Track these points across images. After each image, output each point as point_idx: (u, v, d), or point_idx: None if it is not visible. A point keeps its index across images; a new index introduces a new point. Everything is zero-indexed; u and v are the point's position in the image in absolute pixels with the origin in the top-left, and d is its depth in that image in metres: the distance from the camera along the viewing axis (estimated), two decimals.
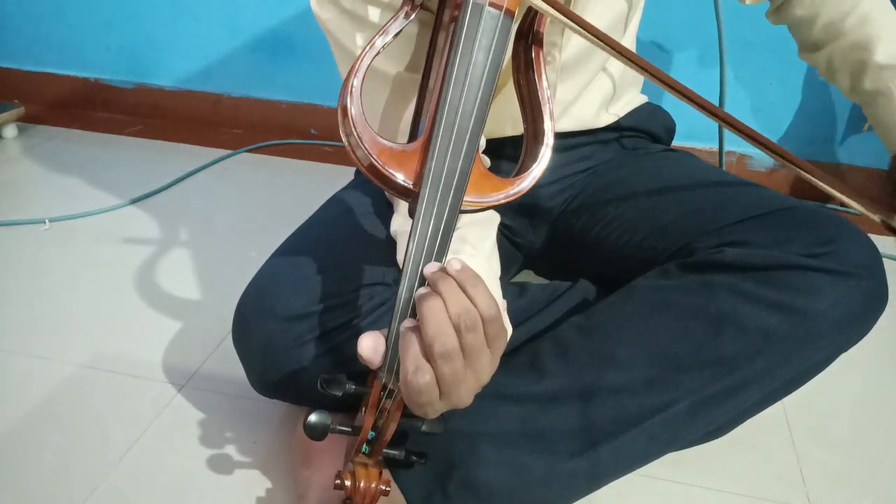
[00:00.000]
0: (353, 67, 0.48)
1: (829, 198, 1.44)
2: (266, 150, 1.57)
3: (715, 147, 1.43)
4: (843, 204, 0.60)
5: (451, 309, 0.46)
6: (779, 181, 1.45)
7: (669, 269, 0.68)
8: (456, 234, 0.51)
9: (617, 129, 0.85)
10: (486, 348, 0.48)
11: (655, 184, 0.79)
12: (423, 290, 0.47)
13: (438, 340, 0.45)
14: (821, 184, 0.55)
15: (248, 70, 1.59)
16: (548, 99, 0.53)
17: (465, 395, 0.48)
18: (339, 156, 1.55)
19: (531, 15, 0.54)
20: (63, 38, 1.66)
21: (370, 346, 0.49)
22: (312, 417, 0.53)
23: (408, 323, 0.48)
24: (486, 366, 0.48)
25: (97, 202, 1.29)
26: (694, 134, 1.41)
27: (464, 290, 0.46)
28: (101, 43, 1.64)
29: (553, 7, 0.49)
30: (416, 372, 0.46)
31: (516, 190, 0.51)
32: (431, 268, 0.48)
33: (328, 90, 1.58)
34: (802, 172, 0.54)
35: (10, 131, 1.57)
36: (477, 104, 0.48)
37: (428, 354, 0.46)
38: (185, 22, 1.57)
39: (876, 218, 0.65)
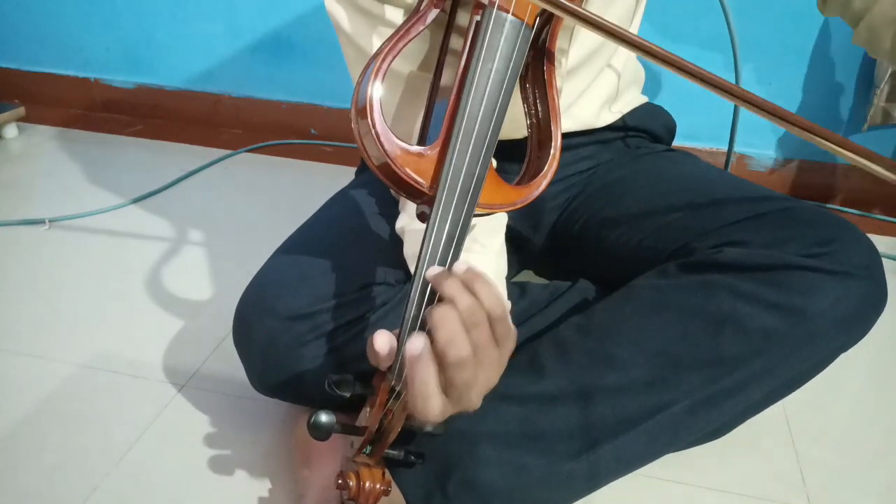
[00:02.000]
0: (375, 67, 0.48)
1: (828, 198, 1.44)
2: (266, 150, 1.57)
3: (715, 147, 1.43)
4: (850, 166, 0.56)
5: (459, 306, 0.46)
6: (779, 181, 1.45)
7: (669, 268, 0.68)
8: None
9: (617, 128, 0.85)
10: (494, 347, 0.48)
11: (655, 184, 0.79)
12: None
13: (452, 348, 0.45)
14: (845, 152, 0.53)
15: (248, 70, 1.59)
16: (557, 108, 0.54)
17: (475, 399, 0.48)
18: (339, 156, 1.55)
19: (543, 27, 0.54)
20: (63, 38, 1.66)
21: (385, 342, 0.49)
22: (322, 417, 0.53)
23: (415, 344, 0.46)
24: (495, 365, 0.49)
25: (97, 202, 1.29)
26: (694, 134, 1.41)
27: (470, 290, 0.46)
28: (101, 43, 1.64)
29: (569, 12, 0.48)
30: (427, 402, 0.46)
31: (524, 198, 0.52)
32: (433, 270, 0.48)
33: (328, 90, 1.58)
34: (830, 144, 0.53)
35: (10, 131, 1.57)
36: (496, 111, 0.49)
37: (440, 362, 0.46)
38: (185, 22, 1.57)
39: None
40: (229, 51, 1.59)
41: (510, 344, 0.49)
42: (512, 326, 0.49)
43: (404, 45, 0.50)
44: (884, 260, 0.67)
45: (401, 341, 0.49)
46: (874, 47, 0.78)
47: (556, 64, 0.59)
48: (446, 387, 0.47)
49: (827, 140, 0.53)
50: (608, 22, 0.46)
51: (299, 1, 1.49)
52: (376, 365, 0.51)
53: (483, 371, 0.48)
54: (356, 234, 0.75)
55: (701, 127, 1.41)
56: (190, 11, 1.56)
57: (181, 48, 1.61)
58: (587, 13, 0.44)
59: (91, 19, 1.62)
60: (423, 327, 0.49)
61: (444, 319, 0.45)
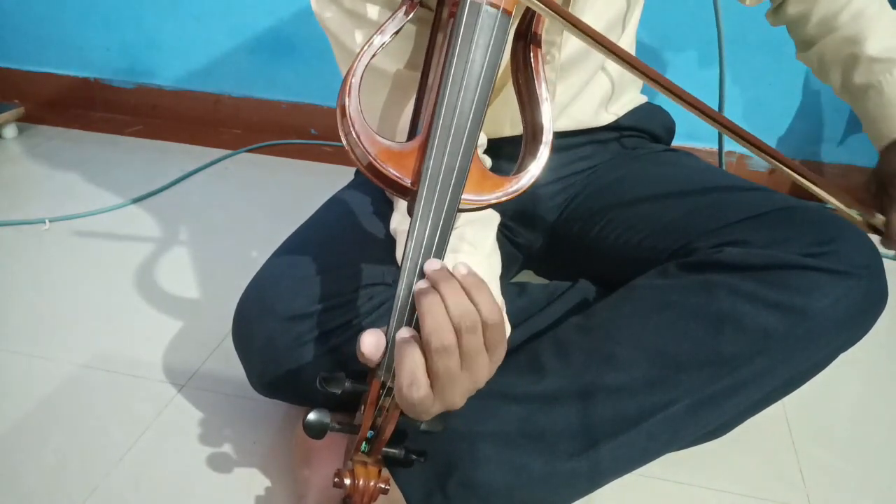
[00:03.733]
0: (351, 67, 0.48)
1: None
2: (266, 150, 1.57)
3: (714, 147, 1.43)
4: (824, 201, 0.61)
5: (453, 310, 0.46)
6: (779, 181, 1.45)
7: (669, 268, 0.68)
8: (455, 233, 0.51)
9: (616, 128, 0.85)
10: (484, 352, 0.48)
11: (655, 183, 0.79)
12: (422, 285, 0.47)
13: (436, 335, 0.45)
14: (805, 182, 0.55)
15: (248, 70, 1.59)
16: (546, 98, 0.53)
17: (458, 397, 0.48)
18: (339, 156, 1.55)
19: (530, 15, 0.54)
20: (63, 38, 1.66)
21: (372, 343, 0.49)
22: (311, 416, 0.53)
23: (404, 333, 0.47)
24: (483, 369, 0.48)
25: (97, 202, 1.29)
26: (694, 134, 1.41)
27: (468, 294, 0.46)
28: (101, 43, 1.64)
29: (549, 7, 0.49)
30: (411, 386, 0.46)
31: (514, 188, 0.51)
32: (433, 265, 0.47)
33: (328, 90, 1.58)
34: (793, 174, 0.55)
35: (10, 131, 1.57)
36: (475, 103, 0.48)
37: (425, 349, 0.46)
38: (185, 22, 1.57)
39: (856, 216, 0.65)
40: (229, 51, 1.59)
41: (502, 350, 0.49)
42: (507, 331, 0.49)
43: (382, 44, 0.50)
44: (884, 260, 0.67)
45: (389, 338, 0.50)
46: (823, 77, 0.80)
47: (546, 55, 0.59)
48: (430, 376, 0.47)
49: (802, 177, 0.55)
50: (585, 24, 0.46)
51: (299, 1, 1.49)
52: (366, 363, 0.51)
53: (469, 372, 0.48)
54: (355, 233, 0.75)
55: (701, 127, 1.40)
56: (190, 11, 1.56)
57: (181, 48, 1.61)
58: (564, 10, 0.44)
59: (91, 19, 1.62)
60: (409, 323, 0.49)
61: (432, 307, 0.45)
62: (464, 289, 0.46)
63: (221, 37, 1.57)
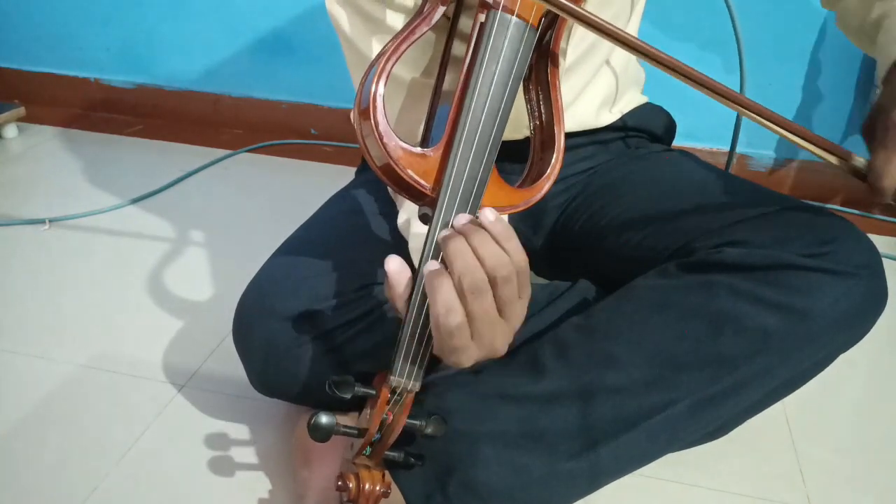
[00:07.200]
0: (379, 68, 0.48)
1: (828, 198, 1.44)
2: (266, 150, 1.57)
3: (715, 147, 1.43)
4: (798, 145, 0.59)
5: (488, 261, 0.46)
6: (779, 181, 1.45)
7: (669, 268, 0.68)
8: None
9: (617, 128, 0.84)
10: (518, 299, 0.49)
11: (655, 184, 0.79)
12: (446, 233, 0.48)
13: (469, 275, 0.46)
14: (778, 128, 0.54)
15: (248, 70, 1.59)
16: (561, 110, 0.54)
17: (498, 341, 0.49)
18: (339, 156, 1.55)
19: (546, 26, 0.54)
20: (63, 38, 1.66)
21: (396, 267, 0.50)
22: (322, 419, 0.53)
23: (432, 266, 0.48)
24: (518, 313, 0.49)
25: (97, 202, 1.29)
26: (694, 134, 1.41)
27: (498, 244, 0.47)
28: (101, 43, 1.64)
29: (565, 9, 0.48)
30: (448, 313, 0.47)
31: (527, 201, 0.53)
32: (461, 219, 0.48)
33: (328, 90, 1.58)
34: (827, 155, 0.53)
35: (10, 131, 1.57)
36: (499, 114, 0.49)
37: (458, 290, 0.46)
38: (185, 22, 1.57)
39: (833, 161, 0.62)
40: (229, 51, 1.59)
41: (529, 290, 0.50)
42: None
43: (408, 47, 0.49)
44: (884, 260, 0.67)
45: (404, 333, 0.50)
46: (848, 24, 0.76)
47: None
48: (468, 319, 0.47)
49: (828, 152, 0.54)
50: (613, 26, 0.46)
51: (299, 1, 1.50)
52: (391, 298, 0.51)
53: (506, 318, 0.49)
54: (356, 233, 0.75)
55: (701, 127, 1.40)
56: (189, 11, 1.56)
57: (181, 48, 1.61)
58: (591, 16, 0.44)
59: (91, 19, 1.62)
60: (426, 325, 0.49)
61: (460, 250, 0.46)
62: (493, 238, 0.47)
63: (221, 37, 1.57)
